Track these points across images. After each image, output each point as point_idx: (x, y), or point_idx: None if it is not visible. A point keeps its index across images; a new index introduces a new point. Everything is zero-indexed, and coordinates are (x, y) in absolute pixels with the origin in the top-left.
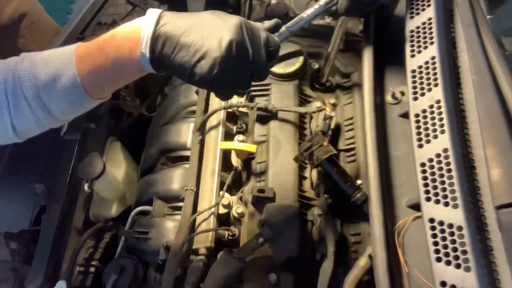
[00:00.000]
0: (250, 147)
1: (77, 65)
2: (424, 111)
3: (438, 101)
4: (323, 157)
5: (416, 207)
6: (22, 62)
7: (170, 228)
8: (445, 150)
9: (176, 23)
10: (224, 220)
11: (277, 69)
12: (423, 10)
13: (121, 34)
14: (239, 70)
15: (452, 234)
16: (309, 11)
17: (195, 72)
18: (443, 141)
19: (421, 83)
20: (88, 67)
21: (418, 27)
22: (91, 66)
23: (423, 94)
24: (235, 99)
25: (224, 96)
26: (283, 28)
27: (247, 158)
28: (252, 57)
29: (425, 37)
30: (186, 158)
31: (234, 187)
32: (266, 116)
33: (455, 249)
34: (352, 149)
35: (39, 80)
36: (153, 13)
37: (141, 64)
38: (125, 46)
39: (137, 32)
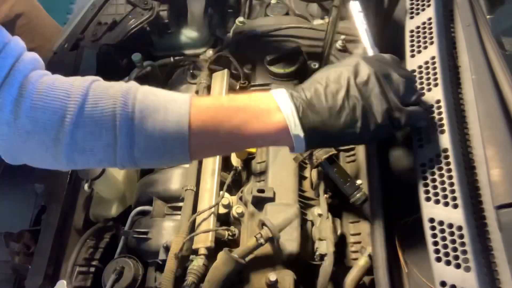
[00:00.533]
0: None
1: (192, 109)
2: None
3: (438, 101)
4: (322, 157)
5: (416, 207)
6: (134, 100)
7: (170, 228)
8: (445, 150)
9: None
10: (224, 220)
11: (277, 69)
12: (423, 10)
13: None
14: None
15: (452, 234)
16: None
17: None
18: (443, 141)
19: (421, 83)
20: (204, 119)
21: (418, 27)
22: (207, 121)
23: (423, 94)
24: None
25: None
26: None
27: (247, 158)
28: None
29: (425, 37)
30: None
31: (234, 187)
32: None
33: (455, 249)
34: (352, 149)
35: (140, 104)
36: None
37: (292, 143)
38: (261, 119)
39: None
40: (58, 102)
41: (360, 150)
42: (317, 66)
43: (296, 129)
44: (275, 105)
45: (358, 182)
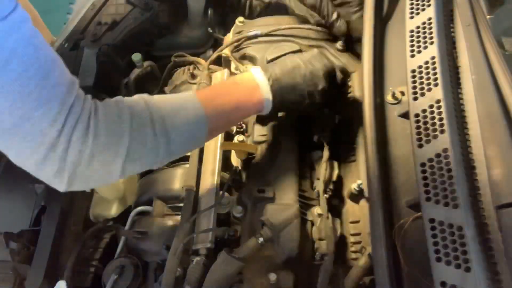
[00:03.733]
0: (250, 147)
1: (201, 101)
2: (424, 111)
3: (438, 101)
4: None
5: (416, 207)
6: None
7: (170, 228)
8: (445, 150)
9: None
10: (224, 220)
11: None
12: (423, 10)
13: (241, 85)
14: None
15: (452, 234)
16: None
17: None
18: (443, 141)
19: (421, 83)
20: (213, 106)
21: (418, 27)
22: (215, 106)
23: (423, 94)
24: None
25: None
26: None
27: (247, 158)
28: None
29: (425, 37)
30: (186, 158)
31: (234, 187)
32: (266, 116)
33: (455, 249)
34: (352, 149)
35: (164, 110)
36: (257, 70)
37: (263, 107)
38: (248, 94)
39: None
40: (114, 124)
41: (360, 150)
42: None
43: (267, 96)
44: (255, 86)
45: (358, 182)
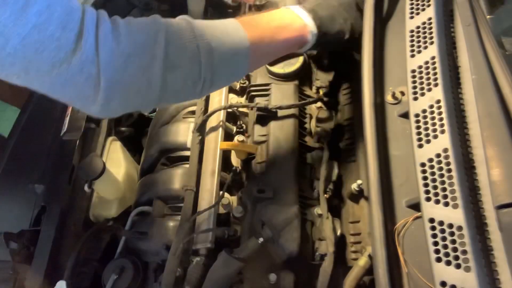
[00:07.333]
0: (250, 147)
1: (246, 31)
2: (424, 111)
3: (438, 101)
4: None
5: (416, 207)
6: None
7: (170, 228)
8: (445, 150)
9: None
10: (224, 220)
11: (277, 69)
12: (423, 10)
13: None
14: None
15: (452, 234)
16: None
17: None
18: (443, 141)
19: (421, 83)
20: (256, 36)
21: (418, 27)
22: (259, 36)
23: (423, 94)
24: (235, 99)
25: None
26: None
27: (247, 158)
28: None
29: (425, 37)
30: (186, 158)
31: (234, 187)
32: (266, 116)
33: (455, 249)
34: (352, 149)
35: (212, 41)
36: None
37: (307, 40)
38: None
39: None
40: (148, 25)
41: (360, 150)
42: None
43: (312, 27)
44: (296, 15)
45: (358, 182)
